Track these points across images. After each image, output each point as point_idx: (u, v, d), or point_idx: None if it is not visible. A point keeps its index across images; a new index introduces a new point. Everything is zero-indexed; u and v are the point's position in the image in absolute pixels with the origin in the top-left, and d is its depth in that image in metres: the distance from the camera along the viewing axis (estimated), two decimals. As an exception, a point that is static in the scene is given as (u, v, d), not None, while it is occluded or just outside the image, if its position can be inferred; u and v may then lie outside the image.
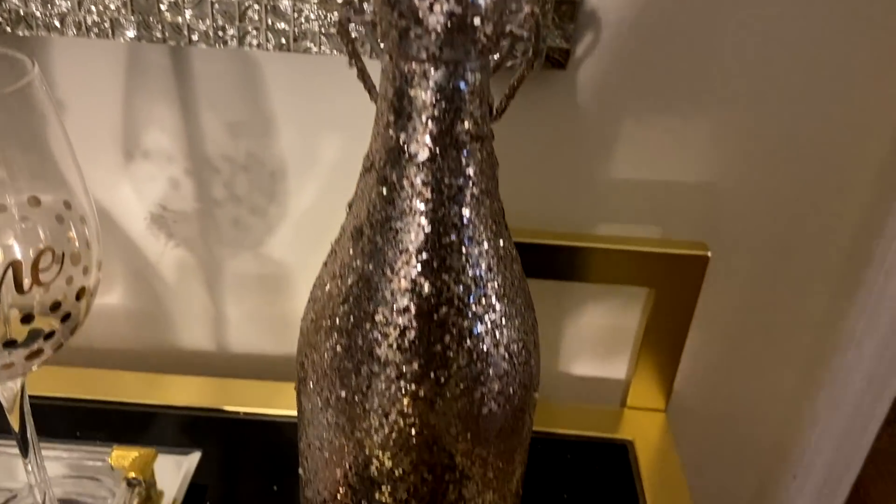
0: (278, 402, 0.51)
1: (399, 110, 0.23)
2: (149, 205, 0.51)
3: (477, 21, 0.21)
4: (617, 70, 0.44)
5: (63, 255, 0.30)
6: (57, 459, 0.44)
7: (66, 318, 0.31)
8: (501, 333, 0.26)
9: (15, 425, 0.36)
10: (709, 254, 0.46)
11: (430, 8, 0.21)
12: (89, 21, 0.42)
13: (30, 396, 0.35)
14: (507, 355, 0.26)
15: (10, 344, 0.30)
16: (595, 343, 0.54)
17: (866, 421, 0.60)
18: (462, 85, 0.23)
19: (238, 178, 0.49)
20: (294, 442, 0.48)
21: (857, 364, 0.55)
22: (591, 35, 0.44)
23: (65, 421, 0.48)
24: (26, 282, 0.29)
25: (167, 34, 0.42)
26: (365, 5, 0.24)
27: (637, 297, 0.51)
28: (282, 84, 0.46)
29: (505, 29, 0.23)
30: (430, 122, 0.23)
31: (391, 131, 0.24)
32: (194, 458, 0.45)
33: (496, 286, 0.26)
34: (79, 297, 0.31)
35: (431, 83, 0.22)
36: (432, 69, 0.22)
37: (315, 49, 0.43)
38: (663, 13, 0.42)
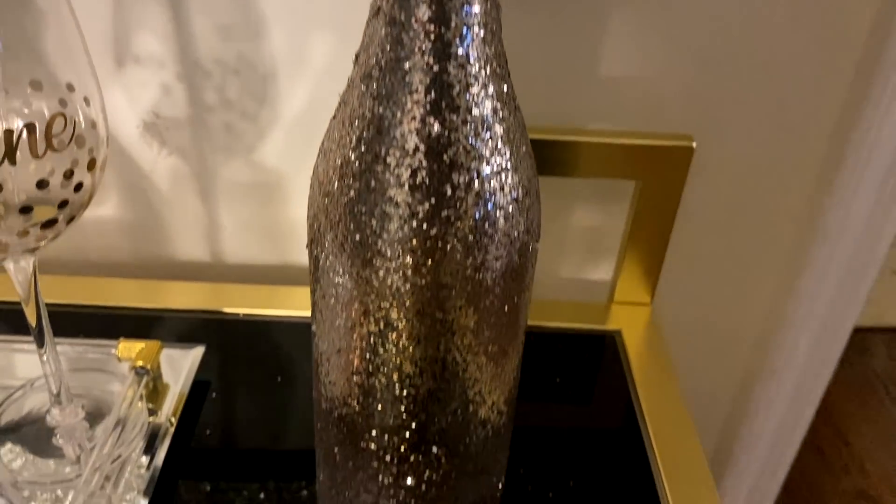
0: (276, 304, 0.52)
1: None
2: (141, 112, 0.51)
3: None
4: (603, -38, 0.45)
5: (74, 122, 0.31)
6: (63, 355, 0.45)
7: (78, 187, 0.32)
8: (507, 176, 0.27)
9: (31, 318, 0.37)
10: (693, 145, 0.48)
11: None
12: (77, -85, 0.42)
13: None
14: (512, 198, 0.28)
15: (26, 210, 0.31)
16: (584, 242, 0.55)
17: (842, 319, 0.63)
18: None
19: (229, 82, 0.50)
20: (294, 340, 0.49)
21: (833, 259, 0.57)
22: (578, -72, 0.44)
23: (67, 326, 0.49)
24: (41, 146, 0.29)
25: (156, -72, 0.42)
26: None
27: (624, 195, 0.53)
28: (272, -18, 0.46)
29: None
30: (436, -42, 0.24)
31: (399, -32, 0.24)
32: (198, 352, 0.46)
33: (502, 130, 0.27)
34: (90, 168, 0.32)
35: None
36: None
37: (305, -57, 0.43)
38: None
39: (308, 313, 0.50)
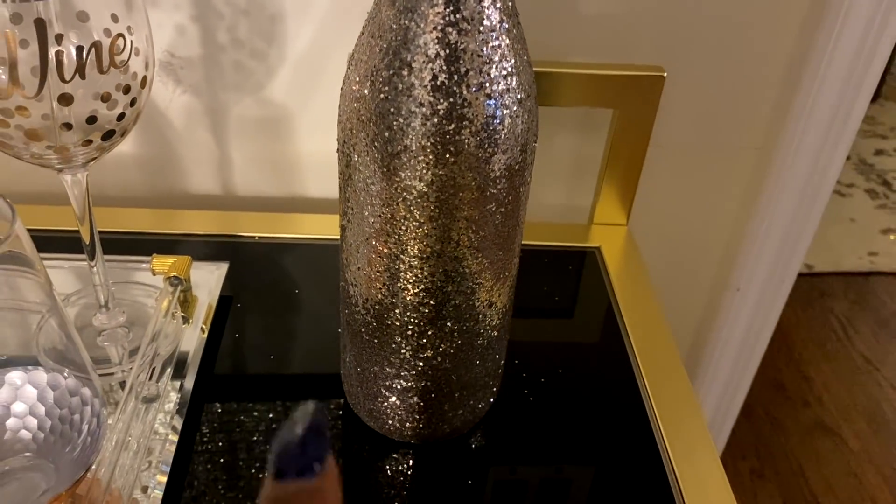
0: (286, 229, 0.57)
1: None
2: (157, 52, 0.55)
3: None
4: None
5: (132, 43, 0.35)
6: (100, 272, 0.49)
7: (132, 102, 0.36)
8: (512, 80, 0.32)
9: (85, 235, 0.41)
10: (664, 74, 0.53)
11: None
12: None
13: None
14: (516, 98, 0.33)
15: (92, 121, 0.35)
16: (567, 169, 0.61)
17: (798, 238, 0.69)
18: None
19: (240, 23, 0.54)
20: (307, 259, 0.54)
21: (790, 185, 0.63)
22: None
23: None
24: (105, 63, 0.34)
25: None
26: None
27: (603, 124, 0.58)
28: (280, -73, 0.50)
29: None
30: None
31: None
32: (223, 268, 0.51)
33: (508, 39, 0.32)
34: (142, 85, 0.36)
35: None
36: None
37: None
38: None
39: (318, 236, 0.56)
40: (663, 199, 0.63)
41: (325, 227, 0.57)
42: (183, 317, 0.48)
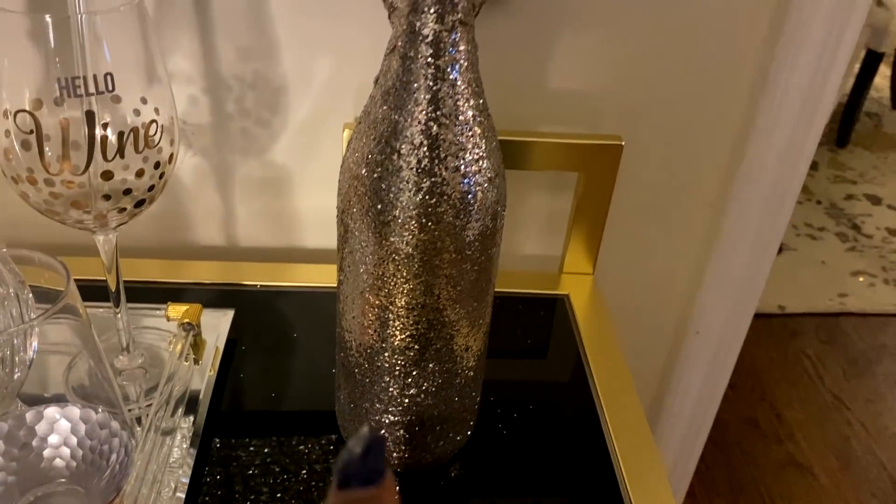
0: (286, 278, 0.63)
1: (414, 6, 0.35)
2: (171, 120, 0.61)
3: (467, -55, 0.34)
4: (550, 1, 0.57)
5: (162, 126, 0.41)
6: (119, 318, 0.55)
7: (161, 175, 0.42)
8: (483, 162, 0.39)
9: (112, 284, 0.47)
10: (622, 143, 0.60)
11: (438, -64, 0.33)
12: (131, -37, 0.52)
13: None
14: (487, 178, 0.39)
15: (128, 192, 0.41)
16: (538, 223, 0.67)
17: (752, 285, 0.75)
18: (455, -11, 0.35)
19: (247, 95, 0.60)
20: (304, 306, 0.60)
21: (743, 236, 0.70)
22: (529, -28, 0.56)
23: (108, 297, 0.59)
24: (141, 144, 0.40)
25: (195, -27, 0.53)
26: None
27: (569, 184, 0.65)
28: (285, 14, 0.57)
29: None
30: (434, 12, 0.35)
31: (410, 19, 0.36)
32: (229, 314, 0.57)
33: (479, 130, 0.38)
34: (169, 161, 0.43)
35: (436, -13, 0.35)
36: (437, -22, 0.35)
37: (314, -16, 0.54)
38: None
39: (314, 284, 0.62)
40: (627, 250, 0.70)
41: (320, 277, 0.63)
42: (194, 359, 0.53)
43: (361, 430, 0.27)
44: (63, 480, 0.42)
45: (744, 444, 1.52)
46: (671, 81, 0.61)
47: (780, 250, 2.05)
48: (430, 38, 0.36)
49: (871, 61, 2.34)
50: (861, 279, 1.99)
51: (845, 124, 2.56)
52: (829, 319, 1.87)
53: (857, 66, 2.38)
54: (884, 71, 2.79)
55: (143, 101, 0.42)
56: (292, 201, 0.66)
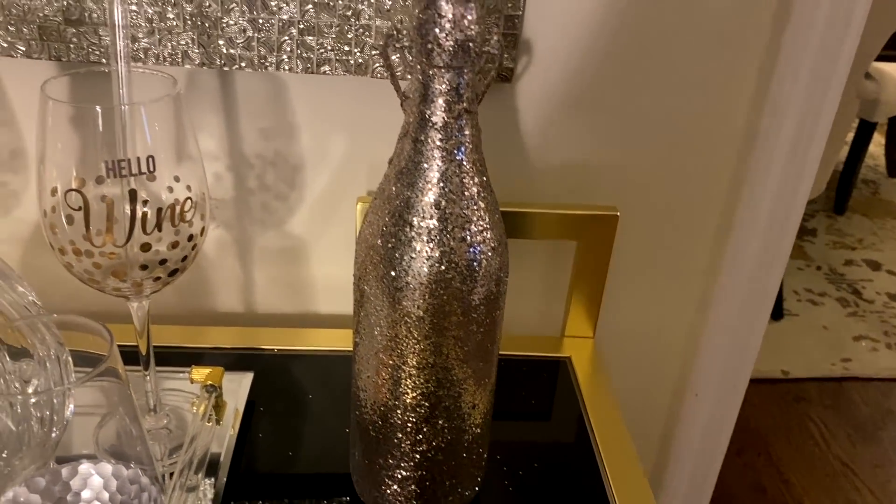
0: (302, 342, 0.66)
1: (425, 96, 0.40)
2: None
3: (471, 45, 0.38)
4: (546, 82, 0.62)
5: (196, 203, 0.45)
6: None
7: (193, 247, 0.46)
8: (488, 233, 0.43)
9: (143, 347, 0.51)
10: (618, 213, 0.64)
11: (446, 38, 0.38)
12: (165, 53, 0.58)
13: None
14: (491, 247, 0.43)
15: (163, 262, 0.45)
16: (540, 289, 0.71)
17: (747, 347, 0.78)
18: (461, 80, 0.40)
19: (267, 171, 0.65)
20: (320, 369, 0.63)
21: (734, 302, 0.74)
22: (527, 58, 0.61)
23: (134, 359, 0.62)
24: (177, 219, 0.44)
25: (223, 62, 0.58)
26: (401, 35, 0.40)
27: (568, 252, 0.69)
28: (304, 98, 0.62)
29: (484, 48, 0.40)
30: (443, 102, 0.40)
31: (421, 108, 0.40)
32: (248, 376, 0.60)
33: (484, 204, 0.42)
34: (201, 234, 0.47)
35: (445, 79, 0.39)
36: (445, 72, 0.39)
37: (331, 72, 0.59)
38: (578, 44, 0.61)
39: (328, 348, 0.65)
40: (626, 313, 0.73)
41: (333, 341, 0.66)
42: (216, 420, 0.56)
43: None
44: (95, 533, 0.44)
45: (752, 511, 1.51)
46: (662, 156, 0.66)
47: (782, 316, 2.08)
48: (438, 125, 0.40)
49: (865, 131, 2.41)
50: (863, 344, 2.01)
51: (843, 191, 2.61)
52: (832, 384, 1.88)
53: (851, 136, 2.45)
54: (878, 139, 2.87)
55: (177, 178, 0.47)
56: (308, 269, 0.70)
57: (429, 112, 0.40)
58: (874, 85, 2.16)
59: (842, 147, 2.44)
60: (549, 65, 0.62)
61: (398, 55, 0.43)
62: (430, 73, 0.39)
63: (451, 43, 0.38)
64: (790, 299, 2.16)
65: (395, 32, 0.41)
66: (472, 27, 0.38)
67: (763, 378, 1.85)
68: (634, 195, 0.67)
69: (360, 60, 0.58)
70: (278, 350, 0.65)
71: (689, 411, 0.79)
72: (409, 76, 0.41)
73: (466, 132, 0.41)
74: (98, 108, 0.42)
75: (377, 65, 0.59)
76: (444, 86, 0.39)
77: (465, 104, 0.40)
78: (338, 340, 0.66)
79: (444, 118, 0.40)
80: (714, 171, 0.67)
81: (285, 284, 0.70)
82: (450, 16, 0.38)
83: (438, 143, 0.40)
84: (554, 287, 0.71)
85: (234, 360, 0.64)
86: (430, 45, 0.39)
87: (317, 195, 0.66)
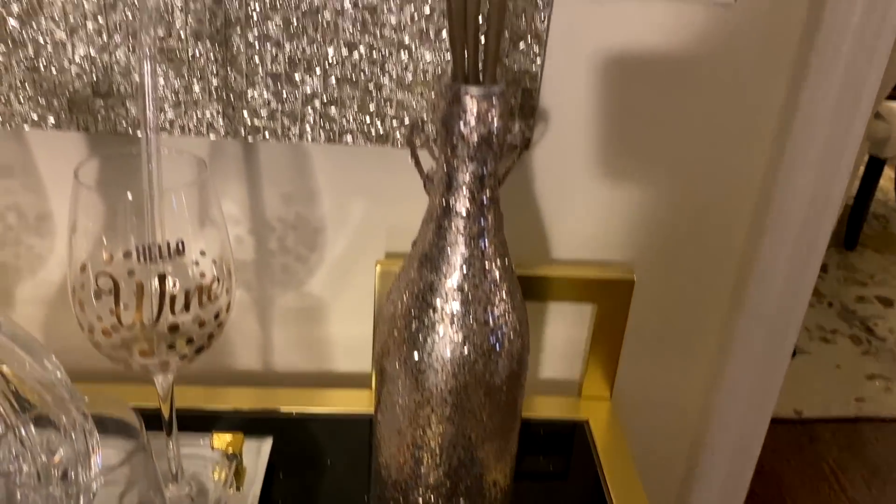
0: (320, 403, 0.67)
1: (448, 184, 0.41)
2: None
3: (494, 139, 0.39)
4: (562, 149, 0.63)
5: (223, 282, 0.46)
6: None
7: (220, 325, 0.47)
8: (509, 315, 0.43)
9: (166, 413, 0.51)
10: (634, 277, 0.65)
11: (470, 132, 0.39)
12: (190, 125, 0.59)
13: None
14: (512, 328, 0.43)
15: (190, 341, 0.46)
16: (558, 351, 0.71)
17: (760, 411, 0.78)
18: (484, 171, 0.41)
19: (288, 234, 0.66)
20: (339, 432, 0.64)
21: (750, 359, 0.74)
22: (543, 126, 0.62)
23: (155, 424, 0.63)
24: (204, 298, 0.45)
25: (247, 133, 0.59)
26: (426, 126, 0.41)
27: (584, 313, 0.69)
28: (325, 164, 0.63)
29: (507, 140, 0.41)
30: (466, 191, 0.41)
31: (444, 197, 0.41)
32: (268, 442, 0.60)
33: (505, 287, 0.43)
34: (227, 310, 0.48)
35: (469, 170, 0.40)
36: (469, 162, 0.40)
37: (352, 141, 0.60)
38: (592, 112, 0.62)
39: (346, 409, 0.65)
40: (642, 373, 0.73)
41: (352, 402, 0.67)
42: (237, 486, 0.57)
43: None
44: None
45: (767, 556, 1.50)
46: (677, 215, 0.66)
47: (794, 354, 2.07)
48: (462, 213, 0.41)
49: (875, 166, 2.42)
50: (877, 383, 1.99)
51: (853, 226, 2.61)
52: (847, 425, 1.87)
53: (861, 169, 2.45)
54: (888, 173, 2.87)
55: (203, 253, 0.48)
56: (326, 329, 0.70)
57: (453, 200, 0.41)
58: (884, 124, 2.17)
59: (853, 182, 2.44)
60: (564, 133, 0.63)
61: (421, 142, 0.44)
62: (455, 163, 0.40)
63: (476, 137, 0.39)
64: (802, 337, 2.15)
65: (419, 122, 0.42)
66: (496, 121, 0.39)
67: (776, 418, 1.83)
68: (650, 253, 0.68)
69: (382, 131, 0.59)
70: (297, 413, 0.66)
71: (706, 470, 0.78)
72: (433, 159, 0.42)
73: (489, 218, 0.42)
74: (129, 195, 0.43)
75: (398, 134, 0.60)
76: (467, 176, 0.40)
77: (487, 192, 0.41)
78: (356, 401, 0.67)
79: (467, 207, 0.41)
80: (730, 229, 0.68)
81: (303, 343, 0.71)
82: (474, 111, 0.39)
83: (462, 230, 0.41)
84: (571, 347, 0.71)
85: (254, 423, 0.64)
86: (454, 139, 0.40)
87: (336, 257, 0.67)
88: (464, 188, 0.41)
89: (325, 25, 0.56)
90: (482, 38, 0.37)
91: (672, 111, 0.62)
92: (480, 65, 0.38)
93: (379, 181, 0.64)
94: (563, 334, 0.71)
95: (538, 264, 0.66)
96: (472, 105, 0.39)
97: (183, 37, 0.56)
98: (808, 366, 2.04)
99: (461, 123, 0.39)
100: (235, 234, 0.66)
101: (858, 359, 2.09)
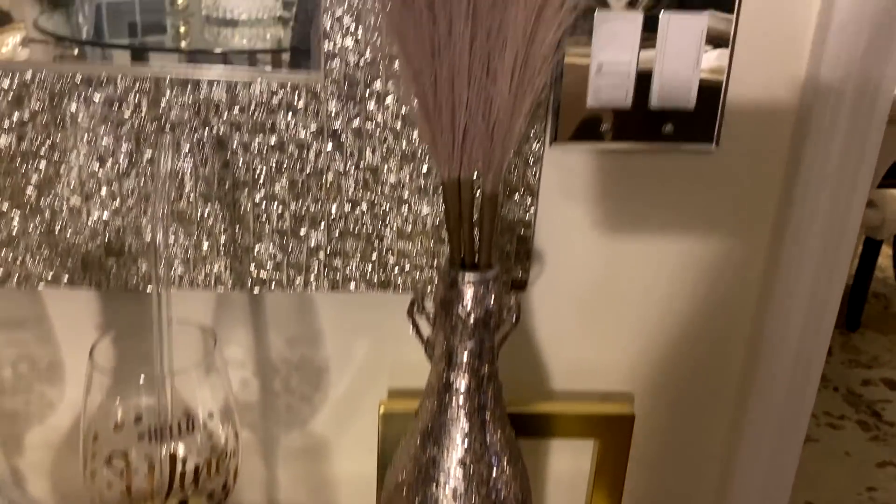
0: (326, 546, 0.67)
1: (448, 362, 0.43)
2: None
3: (490, 319, 0.41)
4: (556, 288, 0.65)
5: (232, 451, 0.48)
6: None
7: (227, 494, 0.48)
8: (511, 484, 0.44)
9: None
10: (634, 413, 0.66)
11: (468, 315, 0.41)
12: (199, 280, 0.61)
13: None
14: (515, 497, 0.44)
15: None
16: (561, 484, 0.72)
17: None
18: (482, 347, 0.42)
19: (292, 375, 0.67)
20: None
21: (749, 488, 0.74)
22: (538, 267, 0.65)
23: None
24: (213, 471, 0.46)
25: (253, 284, 0.62)
26: (426, 304, 0.43)
27: (586, 445, 0.70)
28: (329, 309, 0.65)
29: (503, 317, 0.43)
30: (466, 367, 0.42)
31: (444, 373, 0.43)
32: (274, 592, 0.60)
33: (507, 458, 0.44)
34: (234, 478, 0.49)
35: (467, 347, 0.42)
36: (467, 340, 0.42)
37: (355, 289, 0.62)
38: (584, 252, 0.64)
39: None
40: (649, 500, 0.73)
41: (356, 542, 0.67)
42: None
43: None
44: None
45: None
46: (674, 345, 0.68)
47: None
48: (461, 389, 0.42)
49: (871, 248, 2.44)
50: (889, 471, 1.97)
51: (854, 307, 2.62)
52: (860, 517, 1.84)
53: (859, 248, 2.47)
54: (886, 250, 2.89)
55: (211, 415, 0.49)
56: (329, 466, 0.71)
57: (453, 376, 0.43)
58: (876, 212, 2.21)
59: (851, 262, 2.46)
60: (558, 273, 0.65)
61: (422, 316, 0.46)
62: (453, 342, 0.42)
63: (473, 318, 0.41)
64: (810, 424, 2.12)
65: (419, 299, 0.44)
66: (492, 303, 0.41)
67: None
68: (649, 383, 0.69)
69: (384, 278, 0.62)
70: (302, 557, 0.66)
71: None
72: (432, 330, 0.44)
73: (489, 392, 0.43)
74: (142, 378, 0.44)
75: (399, 280, 0.62)
76: (466, 354, 0.42)
77: (486, 367, 0.43)
78: (361, 542, 0.67)
79: (467, 383, 0.42)
80: (725, 362, 0.69)
81: (307, 481, 0.71)
82: (470, 295, 0.41)
83: (462, 404, 0.43)
84: (575, 481, 0.72)
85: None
86: (453, 319, 0.41)
87: (340, 395, 0.68)
88: (464, 365, 0.42)
89: (328, 185, 0.59)
90: (476, 231, 0.40)
91: (665, 246, 0.65)
92: (475, 255, 0.40)
93: (382, 322, 0.66)
94: (566, 468, 0.71)
95: (536, 399, 0.67)
96: (468, 290, 0.41)
97: (192, 199, 0.59)
98: (817, 454, 2.02)
99: (459, 306, 0.41)
100: (240, 377, 0.67)
101: (867, 445, 2.06)
